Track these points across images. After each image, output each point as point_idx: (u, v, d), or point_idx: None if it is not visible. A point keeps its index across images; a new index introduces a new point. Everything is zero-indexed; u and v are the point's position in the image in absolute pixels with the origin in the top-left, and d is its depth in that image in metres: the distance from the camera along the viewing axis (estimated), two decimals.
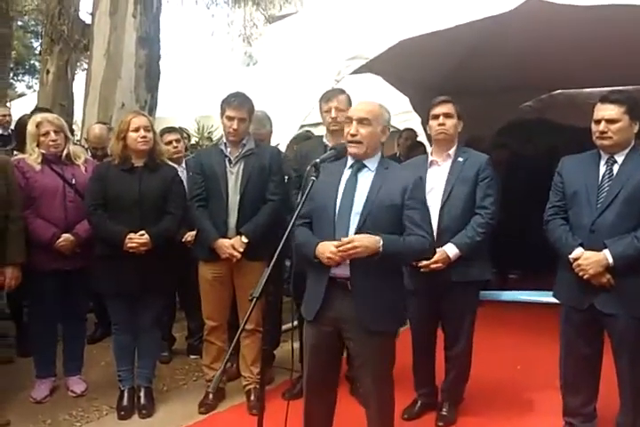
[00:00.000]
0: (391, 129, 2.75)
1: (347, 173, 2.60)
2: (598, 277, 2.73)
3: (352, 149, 2.56)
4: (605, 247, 2.71)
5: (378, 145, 2.58)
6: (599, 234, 2.74)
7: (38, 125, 3.49)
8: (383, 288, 2.50)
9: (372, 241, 2.38)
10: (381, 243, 2.38)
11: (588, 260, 2.73)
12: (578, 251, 2.78)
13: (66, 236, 3.48)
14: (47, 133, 3.50)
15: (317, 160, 2.52)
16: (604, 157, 2.83)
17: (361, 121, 2.53)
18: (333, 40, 4.65)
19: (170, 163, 3.71)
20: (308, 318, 2.62)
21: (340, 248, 2.37)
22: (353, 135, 2.54)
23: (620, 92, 2.89)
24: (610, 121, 2.72)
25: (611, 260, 2.68)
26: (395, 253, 2.44)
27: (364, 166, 2.57)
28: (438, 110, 3.21)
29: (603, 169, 2.82)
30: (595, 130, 2.78)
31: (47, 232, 3.44)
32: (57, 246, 3.45)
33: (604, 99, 2.78)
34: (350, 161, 2.61)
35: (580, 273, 2.76)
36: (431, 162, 3.27)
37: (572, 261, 2.79)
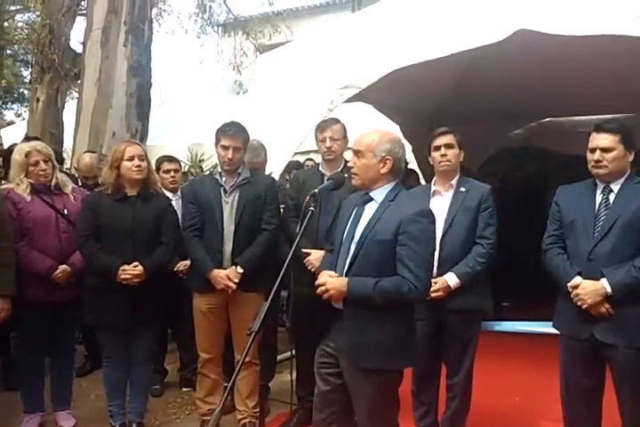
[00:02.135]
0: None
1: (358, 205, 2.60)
2: (597, 306, 2.70)
3: (352, 181, 2.57)
4: (603, 276, 2.69)
5: (378, 176, 2.50)
6: (597, 263, 2.73)
7: (27, 155, 3.46)
8: (376, 323, 2.40)
9: (340, 284, 2.38)
10: (346, 288, 2.36)
11: (586, 289, 2.71)
12: (576, 280, 2.76)
13: (63, 267, 3.43)
14: (37, 163, 3.46)
15: (316, 190, 2.52)
16: (600, 186, 2.83)
17: (356, 153, 2.52)
18: (325, 69, 4.67)
19: (165, 191, 3.69)
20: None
21: (317, 283, 2.40)
22: (350, 167, 2.55)
23: (613, 122, 2.90)
24: (605, 150, 2.73)
25: (609, 289, 2.66)
26: (363, 297, 2.35)
27: (371, 199, 2.54)
28: (439, 141, 3.22)
29: (599, 198, 2.82)
30: (590, 159, 2.79)
31: (44, 264, 3.39)
32: (54, 278, 3.39)
33: (599, 128, 2.79)
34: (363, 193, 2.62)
35: (579, 303, 2.73)
36: (434, 192, 3.29)
37: (570, 289, 2.77)
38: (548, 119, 6.76)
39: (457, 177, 3.26)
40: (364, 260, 2.41)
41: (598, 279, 2.70)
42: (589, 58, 4.46)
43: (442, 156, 3.20)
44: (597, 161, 2.75)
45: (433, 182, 3.34)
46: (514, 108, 6.02)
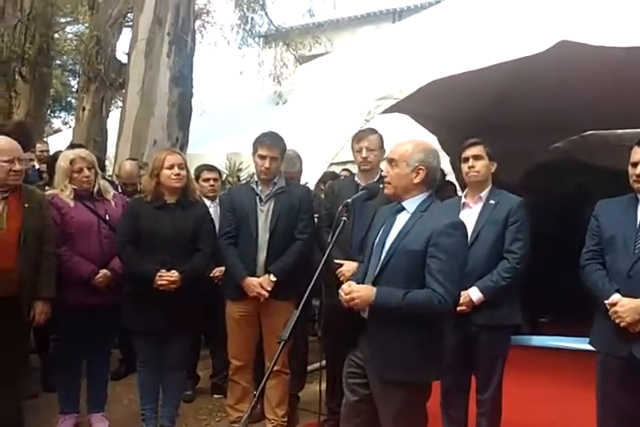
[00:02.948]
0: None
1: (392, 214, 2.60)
2: (636, 324, 2.62)
3: (385, 190, 2.56)
4: None
5: (410, 186, 2.48)
6: (637, 280, 2.65)
7: (72, 162, 3.55)
8: (402, 336, 2.36)
9: (368, 293, 2.33)
10: (374, 297, 2.32)
11: (625, 306, 2.63)
12: (615, 297, 2.69)
13: (104, 272, 3.50)
14: (81, 170, 3.55)
15: (349, 200, 2.52)
16: None
17: (390, 162, 2.52)
18: (363, 80, 4.70)
19: (204, 199, 3.74)
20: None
21: (341, 291, 2.38)
22: (384, 176, 2.56)
23: None
24: None
25: None
26: (389, 308, 2.32)
27: (403, 208, 2.52)
28: (468, 153, 3.21)
29: None
30: (632, 173, 2.73)
31: (86, 268, 3.47)
32: (95, 282, 3.47)
33: None
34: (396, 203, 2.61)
35: (617, 320, 2.66)
36: (463, 204, 3.26)
37: (608, 307, 2.70)
38: (590, 132, 6.63)
39: (487, 189, 3.22)
40: (393, 269, 2.40)
41: (638, 297, 2.62)
42: (633, 70, 4.38)
43: (470, 167, 3.18)
44: (639, 175, 2.70)
45: (464, 195, 3.31)
46: (555, 121, 5.93)
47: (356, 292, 2.34)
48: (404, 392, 2.38)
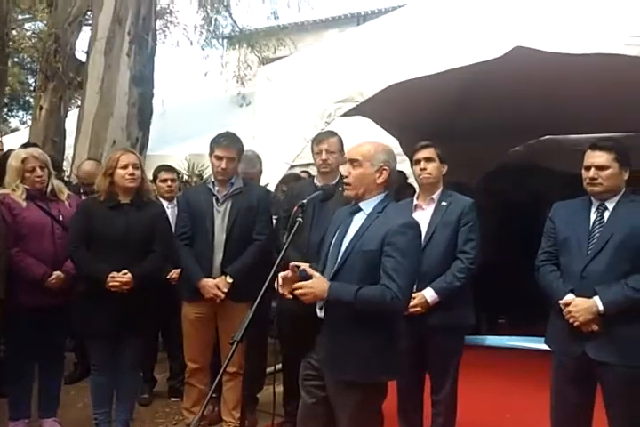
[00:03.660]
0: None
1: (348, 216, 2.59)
2: (588, 324, 2.68)
3: (345, 192, 2.54)
4: (596, 294, 2.68)
5: (372, 187, 2.49)
6: (590, 281, 2.71)
7: (24, 161, 3.47)
8: (358, 335, 2.37)
9: (322, 287, 2.32)
10: (327, 293, 2.30)
11: (578, 306, 2.69)
12: (568, 297, 2.74)
13: (57, 273, 3.44)
14: (33, 169, 3.48)
15: (304, 201, 2.52)
16: (595, 204, 2.82)
17: (352, 162, 2.51)
18: (324, 82, 4.70)
19: (162, 200, 3.69)
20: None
21: (296, 285, 2.35)
22: (345, 177, 2.53)
23: (609, 140, 2.93)
24: (600, 168, 2.73)
25: (601, 307, 2.65)
26: (344, 303, 2.32)
27: (360, 209, 2.53)
28: (419, 155, 3.26)
29: (594, 216, 2.81)
30: (585, 176, 2.79)
31: (39, 270, 3.40)
32: (48, 284, 3.40)
33: (594, 146, 2.80)
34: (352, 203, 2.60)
35: (570, 320, 2.71)
36: (415, 206, 3.29)
37: (562, 306, 2.75)
38: (546, 137, 6.78)
39: (439, 191, 3.26)
40: (349, 270, 2.40)
41: (591, 297, 2.69)
42: (586, 76, 4.48)
43: (422, 169, 3.23)
44: (592, 178, 2.75)
45: (416, 197, 3.35)
46: (513, 125, 6.03)
47: (311, 286, 2.32)
48: (359, 393, 2.38)
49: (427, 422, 3.36)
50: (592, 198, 2.85)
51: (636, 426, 2.72)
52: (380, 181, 2.50)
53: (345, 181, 2.53)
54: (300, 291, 2.33)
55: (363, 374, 2.37)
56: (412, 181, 6.09)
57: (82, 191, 4.62)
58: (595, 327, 2.68)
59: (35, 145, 4.62)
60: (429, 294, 3.07)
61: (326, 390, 2.48)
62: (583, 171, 2.81)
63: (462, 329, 3.26)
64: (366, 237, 2.42)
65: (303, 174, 5.82)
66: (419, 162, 3.25)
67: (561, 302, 2.76)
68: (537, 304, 5.56)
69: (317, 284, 2.34)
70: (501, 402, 4.25)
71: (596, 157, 2.75)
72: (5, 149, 5.86)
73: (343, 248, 2.47)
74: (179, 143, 8.18)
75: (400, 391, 3.28)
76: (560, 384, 2.88)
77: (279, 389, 3.23)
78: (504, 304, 6.45)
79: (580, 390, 2.82)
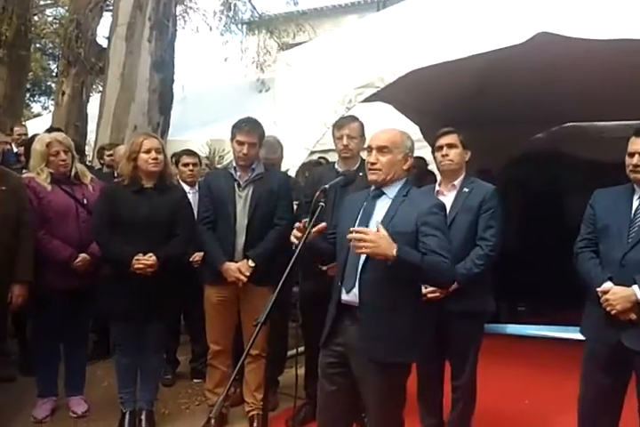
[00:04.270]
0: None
1: (367, 200, 2.59)
2: (626, 312, 2.64)
3: (371, 176, 2.54)
4: (635, 283, 2.63)
5: (399, 173, 2.54)
6: (629, 269, 2.66)
7: (48, 145, 3.52)
8: (393, 318, 2.41)
9: (387, 243, 2.25)
10: (395, 249, 2.25)
11: (617, 295, 2.64)
12: (607, 285, 2.70)
13: (83, 256, 3.50)
14: (57, 153, 3.53)
15: (326, 186, 2.53)
16: (638, 191, 2.77)
17: (380, 149, 2.52)
18: (345, 68, 4.69)
19: (183, 185, 3.72)
20: (320, 344, 2.57)
21: (354, 235, 2.27)
22: (372, 163, 2.53)
23: None
24: None
25: None
26: (411, 264, 2.29)
27: (383, 193, 2.55)
28: (442, 141, 3.23)
29: (636, 203, 2.75)
30: (629, 163, 2.74)
31: (65, 253, 3.46)
32: (74, 266, 3.46)
33: (639, 132, 2.74)
34: (372, 188, 2.61)
35: (608, 308, 2.67)
36: (437, 192, 3.27)
37: (600, 294, 2.71)
38: (570, 124, 6.70)
39: (461, 177, 3.24)
40: None
41: (629, 286, 2.64)
42: (612, 62, 4.42)
43: (443, 156, 3.20)
44: (636, 165, 2.70)
45: (438, 183, 3.33)
46: (536, 112, 5.98)
47: (378, 240, 2.24)
48: (391, 373, 2.43)
49: (446, 407, 3.39)
50: (635, 186, 2.79)
51: None
52: (405, 167, 2.56)
53: (373, 167, 2.53)
54: (363, 236, 2.24)
55: (398, 354, 2.42)
56: (431, 167, 6.10)
57: (116, 176, 4.64)
58: (633, 316, 2.63)
59: (58, 130, 4.68)
60: None
61: (350, 375, 2.49)
62: (627, 158, 2.75)
63: (482, 315, 3.25)
64: (397, 220, 2.45)
65: (322, 161, 5.84)
66: (441, 148, 3.22)
67: (599, 289, 2.71)
68: (557, 292, 5.60)
69: (383, 239, 2.26)
70: (521, 389, 4.26)
71: None
72: (30, 134, 5.96)
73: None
74: (199, 129, 8.22)
75: (420, 377, 3.30)
76: (591, 373, 2.84)
77: (300, 372, 3.27)
78: (524, 292, 6.44)
79: (613, 379, 2.78)
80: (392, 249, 2.25)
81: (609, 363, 2.77)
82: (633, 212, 2.75)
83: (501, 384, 4.19)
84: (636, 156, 2.70)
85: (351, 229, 2.32)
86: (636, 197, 2.78)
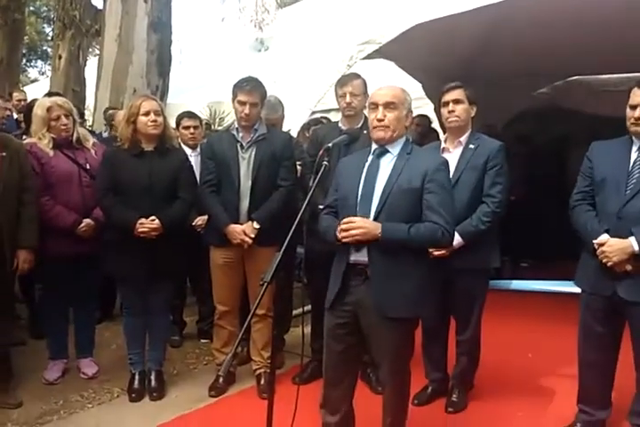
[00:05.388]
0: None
1: (370, 159, 2.57)
2: (622, 264, 2.66)
3: (379, 133, 2.51)
4: (632, 235, 2.64)
5: (403, 129, 2.54)
6: (626, 221, 2.67)
7: (49, 110, 3.48)
8: (403, 274, 2.43)
9: (373, 226, 2.35)
10: (379, 230, 2.34)
11: (613, 247, 2.66)
12: (603, 237, 2.71)
13: (87, 221, 3.50)
14: (58, 118, 3.49)
15: (330, 145, 2.50)
16: (637, 144, 2.75)
17: (387, 105, 2.49)
18: (345, 25, 4.62)
19: (185, 147, 3.68)
20: (326, 306, 2.58)
21: (343, 226, 2.36)
22: (380, 120, 2.49)
23: None
24: None
25: (637, 247, 2.61)
26: (397, 241, 2.37)
27: (387, 151, 2.53)
28: (448, 97, 3.18)
29: (634, 156, 2.74)
30: (630, 116, 2.71)
31: (69, 218, 3.46)
32: (79, 232, 3.47)
33: None
34: (374, 147, 2.58)
35: (604, 260, 2.69)
36: (443, 149, 3.24)
37: (596, 246, 2.72)
38: (574, 77, 6.58)
39: (467, 134, 3.20)
40: (393, 209, 2.42)
41: (626, 238, 2.66)
42: (618, 13, 4.32)
43: (449, 112, 3.16)
44: (638, 118, 2.67)
45: (444, 140, 3.30)
46: (540, 67, 5.88)
47: (363, 225, 2.35)
48: (402, 327, 2.49)
49: (450, 362, 3.45)
50: (634, 138, 2.77)
51: None
52: (407, 123, 2.57)
53: (381, 124, 2.50)
54: (352, 225, 2.34)
55: (409, 309, 2.47)
56: (435, 125, 6.04)
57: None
58: (629, 267, 2.66)
59: (58, 94, 4.62)
60: (455, 237, 3.06)
61: (358, 333, 2.52)
62: (628, 110, 2.72)
63: (487, 271, 3.28)
64: (404, 177, 2.45)
65: (324, 121, 5.78)
66: (447, 104, 3.17)
67: (595, 241, 2.72)
68: (559, 248, 5.61)
69: (368, 222, 2.37)
70: (524, 343, 4.33)
71: None
72: (29, 99, 5.89)
73: (379, 190, 2.46)
74: (199, 91, 8.12)
75: (426, 332, 3.35)
76: (588, 323, 2.90)
77: (306, 330, 3.30)
78: (527, 248, 6.47)
79: (609, 328, 2.84)
80: (377, 229, 2.34)
81: (604, 313, 2.82)
82: (631, 164, 2.74)
83: (505, 339, 4.26)
84: (638, 108, 2.67)
85: (343, 221, 2.36)
86: (634, 150, 2.76)
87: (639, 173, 2.70)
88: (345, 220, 2.39)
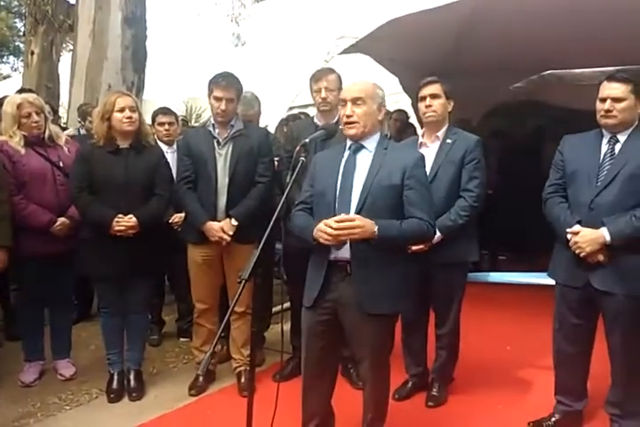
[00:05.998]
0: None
1: (346, 155, 2.55)
2: (594, 254, 2.71)
3: (349, 131, 2.50)
4: (603, 225, 2.69)
5: (376, 124, 2.52)
6: (598, 212, 2.72)
7: (19, 107, 3.41)
8: (384, 271, 2.44)
9: (369, 224, 2.33)
10: (376, 228, 2.33)
11: (585, 237, 2.70)
12: (576, 227, 2.75)
13: (62, 220, 3.45)
14: (29, 115, 3.43)
15: (307, 140, 2.48)
16: (607, 136, 2.80)
17: (355, 101, 2.48)
18: (322, 19, 4.60)
19: (160, 144, 3.64)
20: (306, 305, 2.57)
21: (341, 224, 2.30)
22: (348, 116, 2.48)
23: (626, 72, 2.87)
24: (616, 100, 2.70)
25: (608, 238, 2.66)
26: (391, 238, 2.37)
27: (363, 147, 2.52)
28: (425, 92, 3.18)
29: (605, 148, 2.79)
30: (600, 108, 2.75)
31: (44, 217, 3.40)
32: (54, 231, 3.41)
33: (611, 78, 2.75)
34: (349, 142, 2.56)
35: (577, 251, 2.73)
36: (420, 143, 3.25)
37: (569, 236, 2.76)
38: (548, 72, 6.64)
39: (444, 128, 3.21)
40: (374, 206, 2.41)
41: (598, 229, 2.70)
42: (591, 10, 4.36)
43: (427, 107, 3.16)
44: (607, 111, 2.72)
45: (421, 134, 3.30)
46: (516, 61, 5.92)
47: (361, 224, 2.31)
48: (383, 323, 2.50)
49: (430, 357, 3.47)
50: (604, 131, 2.82)
51: (634, 353, 2.79)
52: (380, 118, 2.56)
53: (349, 120, 2.48)
54: (351, 224, 2.30)
55: (391, 305, 2.49)
56: (412, 120, 6.06)
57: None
58: (601, 258, 2.71)
59: (30, 91, 4.54)
60: None
61: (338, 330, 2.52)
62: (598, 103, 2.76)
63: (465, 265, 3.30)
64: (383, 173, 2.45)
65: (302, 116, 5.76)
66: (424, 99, 3.17)
67: (568, 230, 2.76)
68: (536, 240, 5.67)
69: (364, 220, 2.34)
70: (503, 335, 4.38)
71: (613, 89, 2.71)
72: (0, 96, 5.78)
73: (358, 186, 2.45)
74: (175, 87, 8.04)
75: (405, 327, 3.37)
76: (563, 314, 2.94)
77: (285, 327, 3.30)
78: (505, 241, 6.53)
79: (583, 319, 2.88)
80: (373, 227, 2.33)
81: (579, 304, 2.86)
82: (602, 156, 2.79)
83: (484, 331, 4.30)
84: (608, 101, 2.72)
85: (335, 219, 2.32)
86: (604, 142, 2.81)
87: (610, 165, 2.75)
88: (338, 218, 2.33)
